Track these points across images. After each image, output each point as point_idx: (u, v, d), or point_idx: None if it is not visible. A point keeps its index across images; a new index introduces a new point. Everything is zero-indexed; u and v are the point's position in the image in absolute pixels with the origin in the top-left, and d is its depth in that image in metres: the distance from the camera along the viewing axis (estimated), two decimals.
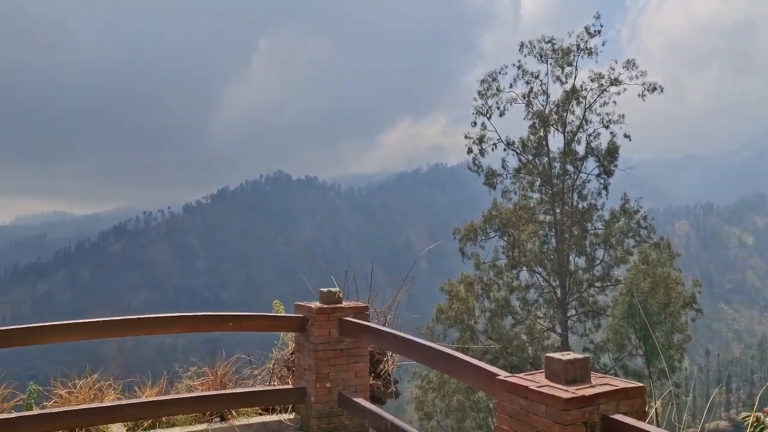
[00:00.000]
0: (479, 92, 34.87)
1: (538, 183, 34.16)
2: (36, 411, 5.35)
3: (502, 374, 3.53)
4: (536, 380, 3.27)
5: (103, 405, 5.21)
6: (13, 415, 5.10)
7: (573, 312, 32.92)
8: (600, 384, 3.19)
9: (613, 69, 33.72)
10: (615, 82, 33.36)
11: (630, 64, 33.53)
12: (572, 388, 3.09)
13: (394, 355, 6.21)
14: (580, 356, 3.27)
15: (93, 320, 5.19)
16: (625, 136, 33.45)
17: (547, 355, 3.34)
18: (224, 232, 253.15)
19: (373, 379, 6.02)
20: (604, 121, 33.44)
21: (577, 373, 3.20)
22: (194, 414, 5.72)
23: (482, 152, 34.41)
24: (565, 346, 30.92)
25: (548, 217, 33.82)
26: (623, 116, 33.39)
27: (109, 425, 5.46)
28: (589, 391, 3.07)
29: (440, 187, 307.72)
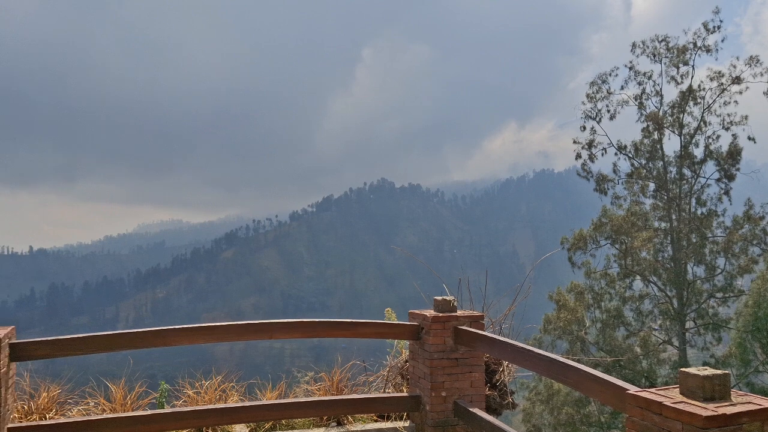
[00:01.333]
0: (588, 95, 33.86)
1: (652, 188, 32.70)
2: (168, 409, 5.65)
3: (632, 389, 3.40)
4: (670, 396, 3.13)
5: (228, 406, 5.43)
6: (148, 412, 5.41)
7: (691, 324, 31.19)
8: (742, 402, 3.01)
9: (734, 66, 31.81)
10: (736, 80, 31.45)
11: (753, 61, 31.50)
12: (711, 406, 2.93)
13: (509, 365, 6.11)
14: (719, 372, 3.09)
15: (219, 324, 5.42)
16: (749, 138, 31.45)
17: (682, 369, 3.18)
18: (329, 240, 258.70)
19: (489, 390, 5.94)
20: (725, 123, 31.56)
21: (715, 390, 3.03)
22: (312, 418, 5.85)
23: (592, 157, 33.35)
24: (683, 361, 29.37)
25: (663, 224, 32.26)
26: (746, 117, 31.40)
27: (232, 425, 5.68)
28: (730, 410, 2.90)
29: (547, 194, 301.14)
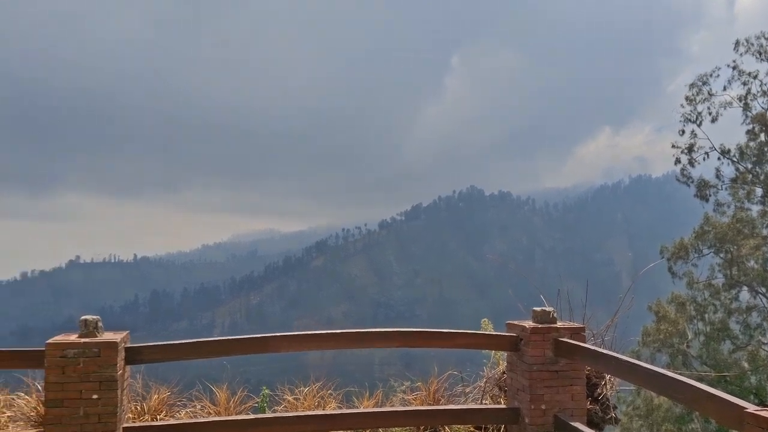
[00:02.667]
0: (687, 98, 32.40)
1: (759, 194, 30.91)
2: (269, 414, 5.82)
3: (750, 407, 3.23)
4: None
5: (328, 413, 5.54)
6: (251, 416, 5.59)
7: None
8: None
9: None
10: None
11: None
12: None
13: (611, 378, 5.92)
14: None
15: (325, 332, 5.54)
16: None
17: None
18: (418, 248, 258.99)
19: (590, 404, 5.78)
20: None
21: None
22: (408, 427, 5.87)
23: (692, 162, 31.88)
24: None
25: None
26: None
27: None
28: None
29: (643, 200, 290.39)
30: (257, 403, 6.00)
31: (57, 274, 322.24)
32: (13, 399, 5.79)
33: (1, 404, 5.76)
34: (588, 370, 5.80)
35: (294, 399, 5.99)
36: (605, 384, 5.91)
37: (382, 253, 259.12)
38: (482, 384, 6.31)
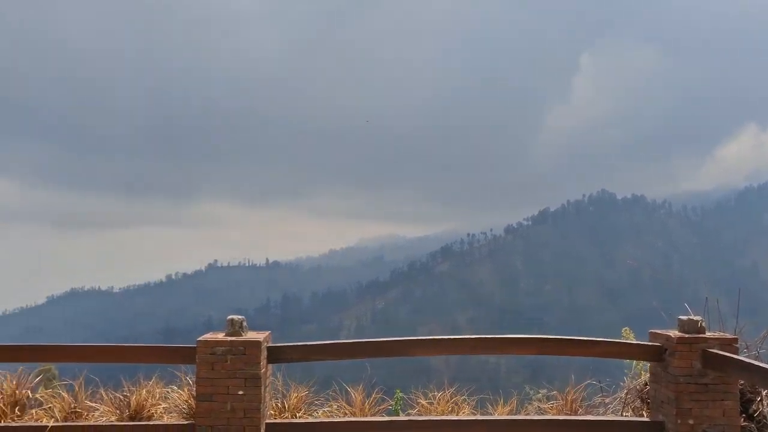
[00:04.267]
0: None
1: None
2: (403, 417, 5.88)
3: None
4: None
5: (462, 418, 5.52)
6: (387, 418, 5.68)
7: None
8: None
9: None
10: None
11: None
12: None
13: None
14: None
15: (459, 337, 5.54)
16: None
17: None
18: (545, 254, 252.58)
19: (744, 421, 5.39)
20: None
21: None
22: None
23: None
24: None
25: None
26: None
27: None
28: None
29: None
30: (391, 405, 6.08)
31: (197, 277, 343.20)
32: (168, 392, 6.22)
33: (157, 396, 6.20)
34: (741, 385, 5.42)
35: (427, 403, 6.01)
36: (761, 400, 5.49)
37: (509, 258, 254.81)
38: (623, 395, 6.05)
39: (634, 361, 6.05)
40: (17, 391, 6.13)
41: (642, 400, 5.90)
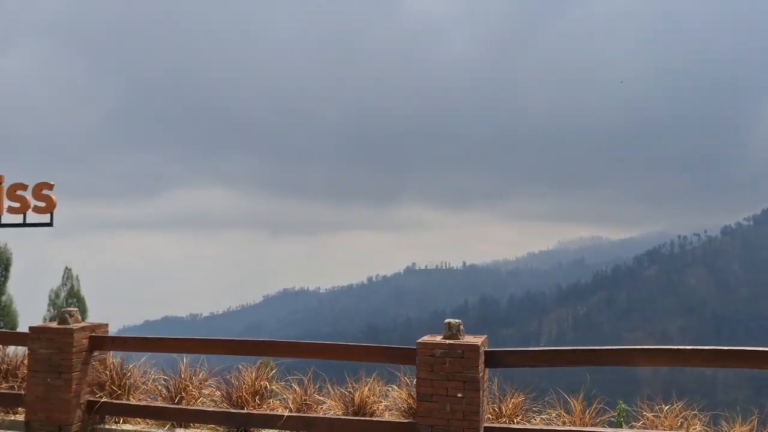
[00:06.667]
0: None
1: None
2: (626, 429, 5.62)
3: None
4: None
5: None
6: (608, 430, 5.45)
7: None
8: None
9: None
10: None
11: None
12: None
13: None
14: None
15: (687, 348, 5.19)
16: None
17: None
18: None
19: None
20: None
21: None
22: None
23: None
24: None
25: None
26: None
27: None
28: None
29: None
30: (613, 417, 5.83)
31: (396, 279, 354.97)
32: (387, 390, 6.50)
33: (378, 394, 6.50)
34: None
35: (653, 416, 5.68)
36: None
37: (726, 262, 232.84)
38: None
39: None
40: (256, 382, 6.76)
41: None
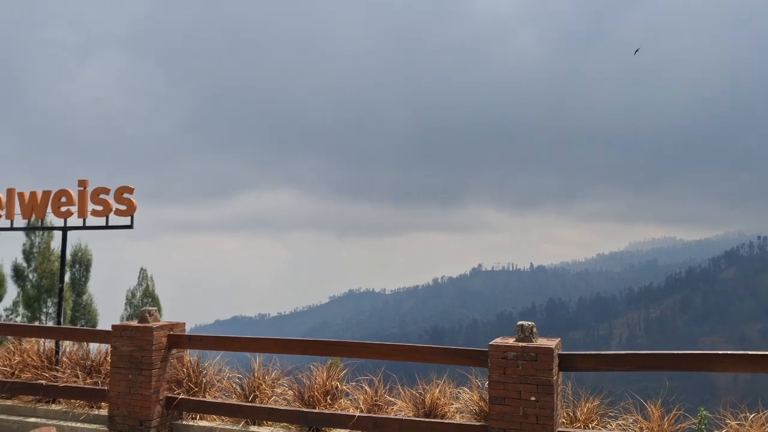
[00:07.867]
0: None
1: None
2: None
3: None
4: None
5: None
6: None
7: None
8: None
9: None
10: None
11: None
12: None
13: None
14: None
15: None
16: None
17: None
18: None
19: None
20: None
21: None
22: None
23: None
24: None
25: None
26: None
27: None
28: None
29: None
30: (694, 424, 5.63)
31: (462, 280, 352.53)
32: (458, 392, 6.46)
33: (448, 396, 6.47)
34: None
35: (737, 424, 5.45)
36: None
37: None
38: None
39: None
40: (327, 382, 6.84)
41: None
